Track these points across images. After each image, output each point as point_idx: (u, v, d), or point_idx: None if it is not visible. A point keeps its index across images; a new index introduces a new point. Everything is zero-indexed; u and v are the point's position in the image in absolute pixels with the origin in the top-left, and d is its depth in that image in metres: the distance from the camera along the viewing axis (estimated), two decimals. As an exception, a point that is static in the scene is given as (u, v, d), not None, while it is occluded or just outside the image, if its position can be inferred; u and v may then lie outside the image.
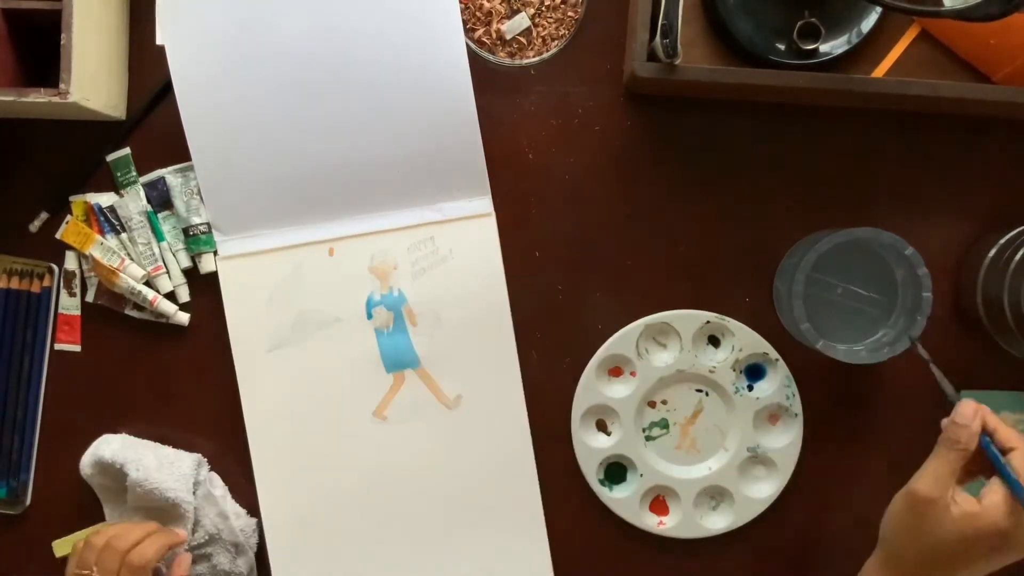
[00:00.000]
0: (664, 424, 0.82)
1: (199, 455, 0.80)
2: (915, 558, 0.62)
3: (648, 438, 0.82)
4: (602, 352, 0.80)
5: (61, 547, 0.80)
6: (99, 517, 0.80)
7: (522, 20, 0.78)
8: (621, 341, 0.80)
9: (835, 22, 0.76)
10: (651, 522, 0.81)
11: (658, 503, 0.82)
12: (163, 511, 0.76)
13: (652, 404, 0.81)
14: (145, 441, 0.80)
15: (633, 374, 0.80)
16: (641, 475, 0.80)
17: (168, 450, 0.79)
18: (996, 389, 0.81)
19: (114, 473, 0.77)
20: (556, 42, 0.79)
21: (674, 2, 0.69)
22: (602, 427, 0.81)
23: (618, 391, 0.80)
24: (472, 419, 0.80)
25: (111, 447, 0.77)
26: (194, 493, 0.78)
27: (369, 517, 0.81)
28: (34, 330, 0.80)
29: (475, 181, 0.79)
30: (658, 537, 0.81)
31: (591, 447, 0.80)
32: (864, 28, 0.76)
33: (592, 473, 0.80)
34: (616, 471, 0.81)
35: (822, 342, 0.73)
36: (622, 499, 0.80)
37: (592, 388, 0.80)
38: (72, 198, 0.80)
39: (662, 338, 0.81)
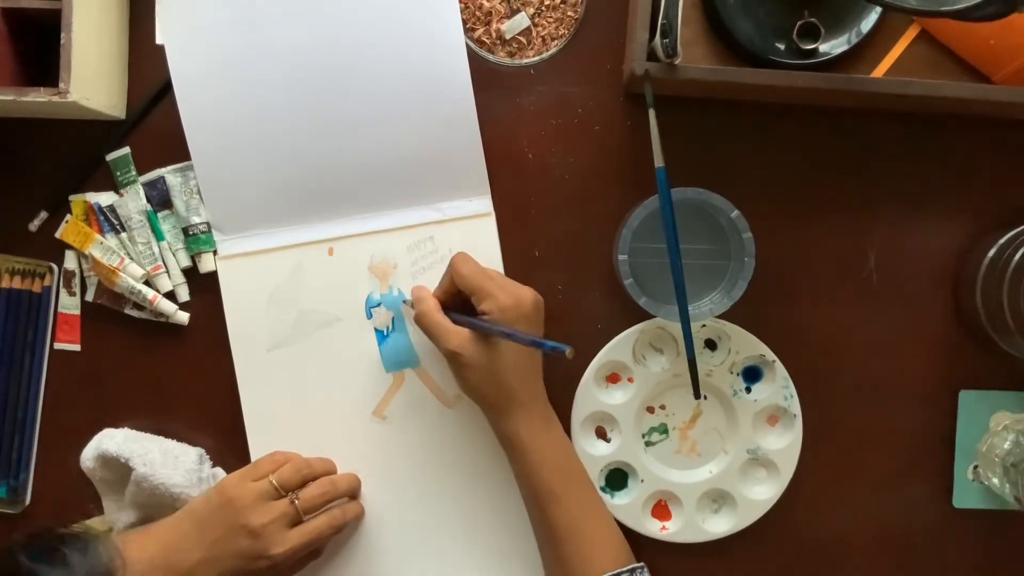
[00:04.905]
0: (663, 429, 0.81)
1: (202, 449, 0.80)
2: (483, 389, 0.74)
3: (648, 444, 0.81)
4: (599, 359, 0.80)
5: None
6: (98, 516, 0.80)
7: (522, 20, 0.78)
8: (618, 347, 0.79)
9: (835, 22, 0.76)
10: (654, 527, 0.81)
11: (660, 508, 0.81)
12: (165, 506, 0.76)
13: (651, 409, 0.81)
14: (149, 435, 0.79)
15: (631, 380, 0.80)
16: (642, 481, 0.80)
17: (172, 443, 0.79)
18: (996, 389, 0.81)
19: (117, 467, 0.77)
20: (556, 42, 0.79)
21: (674, 2, 0.69)
22: (601, 434, 0.81)
23: (616, 397, 0.80)
24: (472, 418, 0.79)
25: (115, 440, 0.77)
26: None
27: (367, 516, 0.81)
28: (34, 329, 0.80)
29: (475, 181, 0.79)
30: (661, 542, 0.80)
31: (591, 455, 0.80)
32: (864, 28, 0.76)
33: (593, 480, 0.79)
34: (617, 478, 0.81)
35: (644, 299, 0.73)
36: (624, 505, 0.80)
37: (590, 395, 0.80)
38: (72, 197, 0.80)
39: (658, 343, 0.81)
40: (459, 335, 0.72)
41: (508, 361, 0.72)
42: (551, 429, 0.76)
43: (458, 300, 0.75)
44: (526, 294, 0.73)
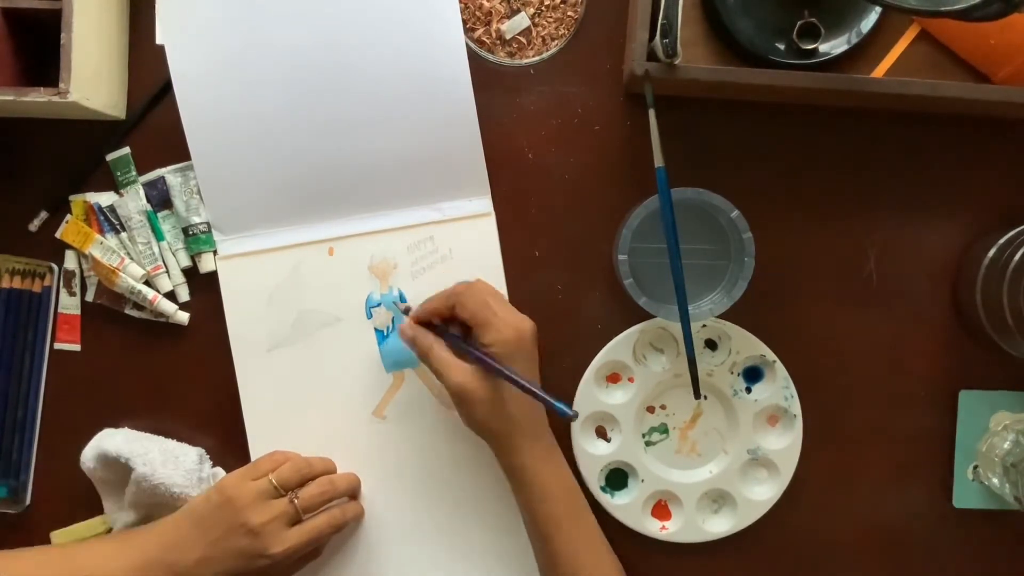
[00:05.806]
0: (663, 429, 0.81)
1: (202, 449, 0.80)
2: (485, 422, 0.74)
3: (648, 443, 0.81)
4: (600, 358, 0.80)
5: (59, 538, 0.80)
6: (99, 515, 0.80)
7: (522, 20, 0.78)
8: (618, 347, 0.79)
9: (835, 22, 0.76)
10: (654, 527, 0.81)
11: (660, 508, 0.81)
12: (165, 506, 0.76)
13: (651, 409, 0.81)
14: (149, 435, 0.79)
15: (631, 380, 0.80)
16: (642, 481, 0.80)
17: (172, 443, 0.79)
18: (996, 389, 0.81)
19: (117, 467, 0.77)
20: (556, 42, 0.79)
21: (674, 2, 0.69)
22: (601, 434, 0.81)
23: (617, 397, 0.80)
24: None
25: (115, 440, 0.77)
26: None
27: (367, 516, 0.81)
28: (34, 329, 0.80)
29: (475, 181, 0.79)
30: (661, 542, 0.81)
31: (591, 454, 0.80)
32: (864, 28, 0.76)
33: (593, 480, 0.79)
34: (617, 477, 0.81)
35: (644, 299, 0.73)
36: (624, 505, 0.80)
37: (590, 395, 0.80)
38: (72, 197, 0.80)
39: (659, 343, 0.81)
40: (463, 371, 0.72)
41: (512, 391, 0.72)
42: (553, 457, 0.75)
43: (452, 318, 0.75)
44: (526, 326, 0.73)
